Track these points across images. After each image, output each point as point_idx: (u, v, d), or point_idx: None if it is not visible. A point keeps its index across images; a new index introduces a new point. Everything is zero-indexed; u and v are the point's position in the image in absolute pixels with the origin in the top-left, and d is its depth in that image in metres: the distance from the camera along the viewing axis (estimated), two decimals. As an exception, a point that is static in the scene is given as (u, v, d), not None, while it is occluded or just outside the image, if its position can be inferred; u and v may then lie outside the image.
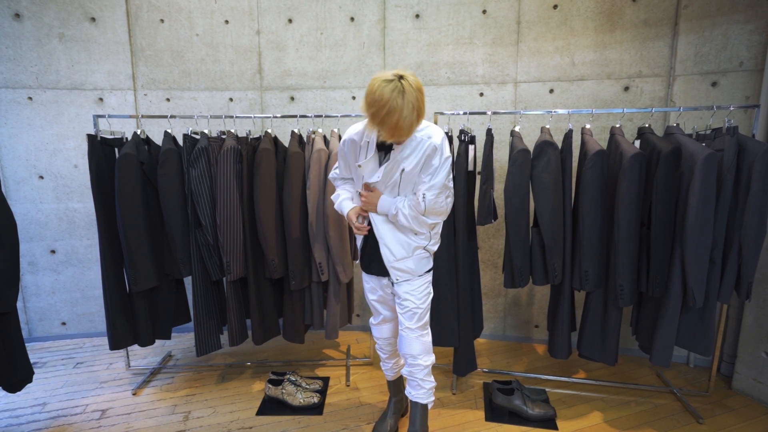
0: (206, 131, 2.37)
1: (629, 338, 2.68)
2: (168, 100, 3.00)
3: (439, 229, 1.83)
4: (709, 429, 2.13)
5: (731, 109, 2.09)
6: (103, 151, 2.30)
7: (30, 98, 2.85)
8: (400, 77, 1.47)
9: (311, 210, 2.32)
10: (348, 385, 2.52)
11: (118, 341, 2.38)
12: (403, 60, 2.90)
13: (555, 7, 2.71)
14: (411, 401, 1.93)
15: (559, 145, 2.18)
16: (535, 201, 2.15)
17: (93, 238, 3.03)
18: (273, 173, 2.31)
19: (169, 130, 2.38)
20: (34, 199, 2.95)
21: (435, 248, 1.84)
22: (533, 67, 2.79)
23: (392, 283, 1.82)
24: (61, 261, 3.05)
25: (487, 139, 2.25)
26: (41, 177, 2.93)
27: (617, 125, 2.20)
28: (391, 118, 1.46)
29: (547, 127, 2.26)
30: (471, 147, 2.26)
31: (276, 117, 2.49)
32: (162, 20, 2.90)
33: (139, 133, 2.35)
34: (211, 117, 2.43)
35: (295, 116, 2.47)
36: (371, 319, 2.03)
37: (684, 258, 1.96)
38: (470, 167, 2.28)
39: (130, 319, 2.42)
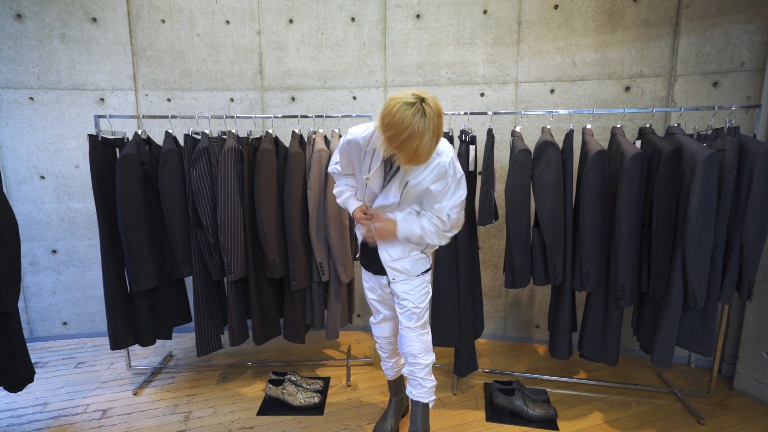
0: (207, 131, 2.37)
1: (630, 338, 2.68)
2: (169, 100, 3.00)
3: None
4: (710, 430, 2.13)
5: (732, 109, 2.09)
6: (104, 152, 2.30)
7: (31, 98, 2.86)
8: (422, 100, 1.40)
9: (312, 210, 2.32)
10: (349, 385, 2.52)
11: (118, 341, 2.39)
12: (404, 60, 2.90)
13: (556, 7, 2.71)
14: (412, 400, 1.93)
15: (560, 145, 2.18)
16: (536, 201, 2.15)
17: (94, 238, 3.04)
18: (274, 173, 2.31)
19: (170, 131, 2.38)
20: (36, 199, 2.95)
21: (432, 249, 1.85)
22: (534, 68, 2.79)
23: (389, 282, 1.82)
24: (62, 261, 3.05)
25: (488, 140, 2.25)
26: (42, 177, 2.94)
27: (618, 125, 2.20)
28: (411, 144, 1.39)
29: (548, 127, 2.26)
30: (472, 147, 2.26)
31: (277, 117, 2.49)
32: (163, 20, 2.90)
33: (140, 133, 2.35)
34: (212, 117, 2.43)
35: (296, 116, 2.48)
36: (371, 318, 2.04)
37: (685, 258, 1.96)
38: (471, 167, 2.28)
39: (131, 319, 2.42)
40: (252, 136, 2.42)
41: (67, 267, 3.07)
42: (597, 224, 2.10)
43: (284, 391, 2.30)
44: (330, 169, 1.93)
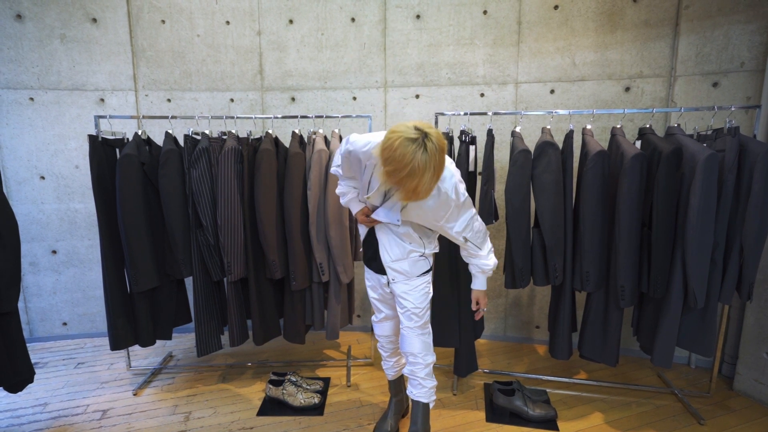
0: (207, 132, 2.37)
1: (630, 339, 2.68)
2: (169, 100, 3.00)
3: (435, 236, 1.84)
4: (711, 430, 2.13)
5: (732, 109, 2.09)
6: (104, 152, 2.30)
7: (31, 99, 2.86)
8: (425, 135, 1.34)
9: (312, 210, 2.32)
10: (349, 386, 2.52)
11: (119, 341, 2.38)
12: (404, 60, 2.90)
13: (556, 7, 2.71)
14: (412, 400, 1.93)
15: (560, 145, 2.18)
16: (536, 201, 2.15)
17: (94, 239, 3.04)
18: (274, 174, 2.31)
19: (170, 131, 2.38)
20: (36, 200, 2.95)
21: (433, 252, 1.85)
22: (534, 68, 2.79)
23: (388, 282, 1.83)
24: (62, 261, 3.05)
25: (488, 140, 2.25)
26: (42, 177, 2.94)
27: (618, 126, 2.20)
28: (411, 182, 1.35)
29: (548, 127, 2.26)
30: (472, 148, 2.26)
31: (277, 117, 2.49)
32: (163, 21, 2.90)
33: (140, 133, 2.35)
34: (212, 117, 2.43)
35: (296, 117, 2.47)
36: (373, 317, 2.04)
37: (685, 258, 1.96)
38: (471, 168, 2.28)
39: (131, 319, 2.42)
40: (252, 137, 2.42)
41: (67, 267, 3.07)
42: (597, 224, 2.10)
43: (284, 391, 2.30)
44: (332, 170, 1.93)
